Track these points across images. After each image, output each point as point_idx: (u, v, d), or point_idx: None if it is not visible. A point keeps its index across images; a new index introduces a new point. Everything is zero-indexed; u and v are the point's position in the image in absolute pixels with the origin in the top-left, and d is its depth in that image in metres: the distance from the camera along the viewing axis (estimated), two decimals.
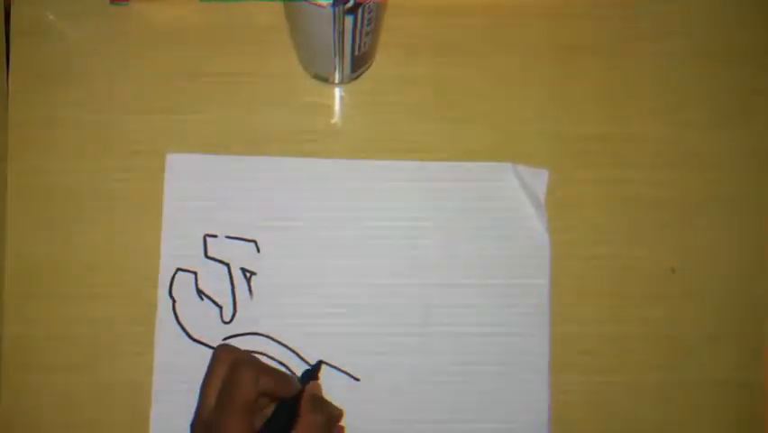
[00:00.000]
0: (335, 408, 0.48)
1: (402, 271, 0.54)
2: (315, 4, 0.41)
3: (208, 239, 0.53)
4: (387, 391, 0.53)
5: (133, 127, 0.54)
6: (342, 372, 0.53)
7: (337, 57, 0.48)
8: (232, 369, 0.44)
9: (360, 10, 0.42)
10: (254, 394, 0.43)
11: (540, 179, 0.55)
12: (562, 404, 0.54)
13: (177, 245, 0.53)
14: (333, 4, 0.41)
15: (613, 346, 0.55)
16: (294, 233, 0.53)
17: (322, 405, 0.46)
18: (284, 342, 0.53)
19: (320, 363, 0.49)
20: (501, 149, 0.56)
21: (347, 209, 0.54)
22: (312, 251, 0.53)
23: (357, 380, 0.53)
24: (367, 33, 0.46)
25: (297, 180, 0.54)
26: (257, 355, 0.50)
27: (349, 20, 0.43)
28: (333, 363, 0.53)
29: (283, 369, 0.52)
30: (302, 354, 0.53)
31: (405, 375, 0.53)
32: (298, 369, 0.52)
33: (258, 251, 0.53)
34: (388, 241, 0.54)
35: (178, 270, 0.53)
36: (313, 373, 0.48)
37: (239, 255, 0.53)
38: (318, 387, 0.48)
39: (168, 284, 0.53)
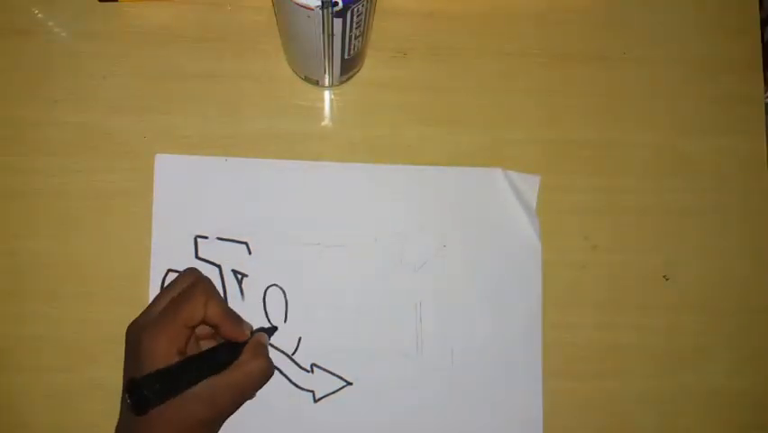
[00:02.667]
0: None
1: (393, 276, 0.54)
2: (304, 7, 0.41)
3: (199, 240, 0.53)
4: (379, 396, 0.53)
5: (122, 128, 0.54)
6: (335, 375, 0.53)
7: (327, 60, 0.48)
8: (188, 288, 0.45)
9: (348, 13, 0.42)
10: (198, 316, 0.43)
11: (531, 185, 0.55)
12: (554, 411, 0.54)
13: (167, 246, 0.53)
14: (322, 7, 0.41)
15: (605, 353, 0.55)
16: (285, 235, 0.54)
17: (266, 355, 0.46)
18: (276, 344, 0.52)
19: (275, 328, 0.51)
20: (492, 154, 0.56)
21: (338, 212, 0.54)
22: (303, 254, 0.53)
23: (350, 384, 0.53)
24: (356, 37, 0.46)
25: (287, 183, 0.54)
26: None
27: (338, 23, 0.43)
28: (325, 367, 0.53)
29: (275, 372, 0.52)
30: (294, 358, 0.53)
31: (397, 380, 0.53)
32: (293, 373, 0.52)
33: (249, 253, 0.53)
34: (379, 245, 0.54)
35: (169, 271, 0.53)
36: (268, 332, 0.49)
37: (230, 257, 0.53)
38: (266, 338, 0.48)
39: (159, 285, 0.52)
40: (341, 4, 0.41)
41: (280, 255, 0.53)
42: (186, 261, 0.53)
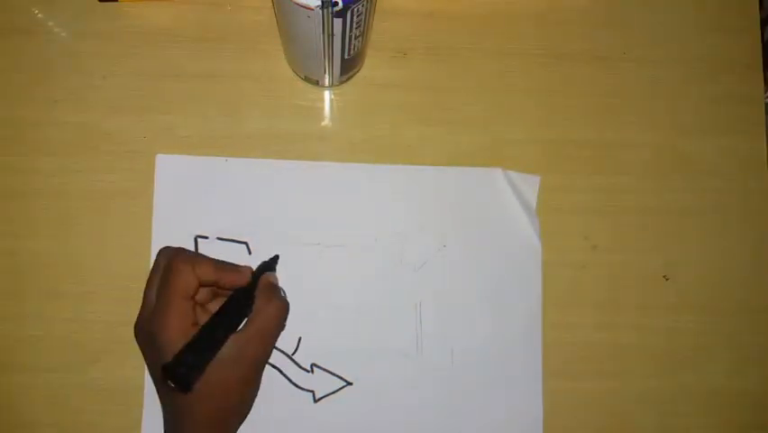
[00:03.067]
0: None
1: (393, 276, 0.54)
2: (304, 7, 0.41)
3: (199, 240, 0.53)
4: (379, 396, 0.53)
5: (122, 128, 0.54)
6: (335, 375, 0.53)
7: (327, 60, 0.48)
8: (166, 265, 0.45)
9: (348, 13, 0.42)
10: (192, 283, 0.44)
11: (531, 185, 0.55)
12: (554, 411, 0.54)
13: (167, 246, 0.53)
14: (322, 7, 0.41)
15: (605, 353, 0.55)
16: (285, 235, 0.53)
17: (278, 294, 0.47)
18: (276, 345, 0.52)
19: (277, 256, 0.50)
20: (492, 154, 0.56)
21: (338, 212, 0.54)
22: (303, 254, 0.53)
23: (350, 384, 0.53)
24: (356, 37, 0.46)
25: (287, 183, 0.54)
26: None
27: (338, 23, 0.43)
28: (325, 367, 0.53)
29: (275, 372, 0.52)
30: (294, 358, 0.53)
31: (397, 380, 0.53)
32: (293, 373, 0.52)
33: (249, 253, 0.53)
34: (379, 245, 0.54)
35: None
36: (269, 265, 0.49)
37: (230, 257, 0.53)
38: (274, 277, 0.48)
39: None
40: (341, 4, 0.41)
41: (281, 255, 0.53)
42: None
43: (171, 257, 0.45)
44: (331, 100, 0.56)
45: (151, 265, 0.52)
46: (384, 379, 0.53)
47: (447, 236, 0.55)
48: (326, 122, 0.55)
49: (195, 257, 0.46)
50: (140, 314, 0.47)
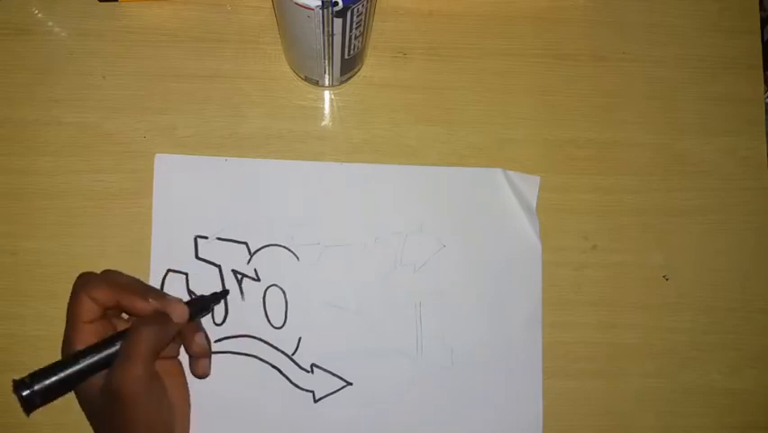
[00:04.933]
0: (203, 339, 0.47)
1: (393, 276, 0.54)
2: (304, 7, 0.41)
3: (199, 240, 0.53)
4: (379, 396, 0.53)
5: (122, 128, 0.54)
6: (335, 375, 0.53)
7: (327, 60, 0.48)
8: (74, 288, 0.45)
9: (348, 13, 0.42)
10: (87, 308, 0.44)
11: (531, 185, 0.55)
12: (554, 411, 0.54)
13: (167, 246, 0.53)
14: (322, 7, 0.41)
15: (605, 353, 0.55)
16: (285, 235, 0.54)
17: (160, 320, 0.44)
18: (276, 345, 0.52)
19: (226, 292, 0.51)
20: (492, 154, 0.56)
21: (338, 212, 0.54)
22: (303, 254, 0.53)
23: (350, 384, 0.53)
24: (356, 37, 0.46)
25: (287, 183, 0.54)
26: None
27: (338, 23, 0.43)
28: (325, 367, 0.53)
29: (275, 372, 0.52)
30: (294, 358, 0.53)
31: (397, 380, 0.53)
32: (293, 373, 0.52)
33: (249, 253, 0.53)
34: (379, 245, 0.54)
35: (169, 271, 0.53)
36: (206, 304, 0.49)
37: (230, 257, 0.53)
38: (177, 309, 0.45)
39: (158, 285, 0.52)
40: (341, 4, 0.41)
41: (280, 255, 0.53)
42: (186, 261, 0.53)
43: (75, 284, 0.46)
44: (331, 100, 0.56)
45: (152, 266, 0.52)
46: (384, 379, 0.53)
47: (447, 236, 0.55)
48: (326, 122, 0.55)
49: (90, 283, 0.45)
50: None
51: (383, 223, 0.54)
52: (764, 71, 0.58)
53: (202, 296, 0.50)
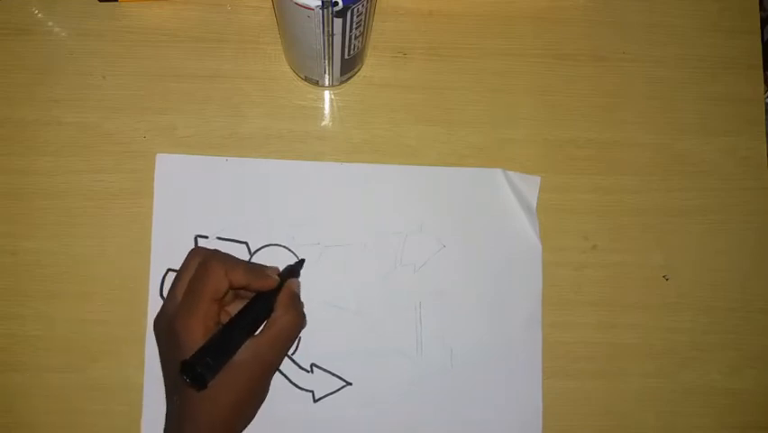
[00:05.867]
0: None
1: (393, 276, 0.54)
2: (304, 7, 0.41)
3: (199, 240, 0.53)
4: (379, 396, 0.53)
5: (122, 128, 0.54)
6: (335, 375, 0.53)
7: (327, 60, 0.48)
8: (202, 264, 0.45)
9: (348, 13, 0.42)
10: (223, 286, 0.44)
11: (532, 186, 0.56)
12: (554, 411, 0.54)
13: (167, 246, 0.53)
14: (322, 7, 0.41)
15: (605, 353, 0.55)
16: (285, 235, 0.54)
17: (298, 305, 0.47)
18: None
19: (302, 260, 0.51)
20: (492, 154, 0.56)
21: (338, 212, 0.54)
22: (303, 254, 0.53)
23: (349, 384, 0.53)
24: (356, 37, 0.46)
25: (287, 183, 0.54)
26: None
27: (338, 23, 0.43)
28: (325, 367, 0.53)
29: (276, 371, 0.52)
30: (294, 358, 0.53)
31: (397, 380, 0.53)
32: (293, 373, 0.52)
33: (249, 252, 0.53)
34: (379, 245, 0.54)
35: (169, 270, 0.53)
36: (295, 269, 0.49)
37: None
38: (297, 285, 0.48)
39: (158, 284, 0.52)
40: (341, 4, 0.41)
41: (281, 255, 0.53)
42: None
43: (206, 258, 0.45)
44: (331, 100, 0.56)
45: (152, 265, 0.52)
46: (384, 379, 0.53)
47: (447, 236, 0.55)
48: (326, 122, 0.55)
49: (228, 260, 0.46)
50: (163, 308, 0.47)
51: (383, 223, 0.54)
52: (764, 71, 0.58)
53: (290, 266, 0.51)
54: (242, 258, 0.53)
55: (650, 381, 0.55)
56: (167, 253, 0.53)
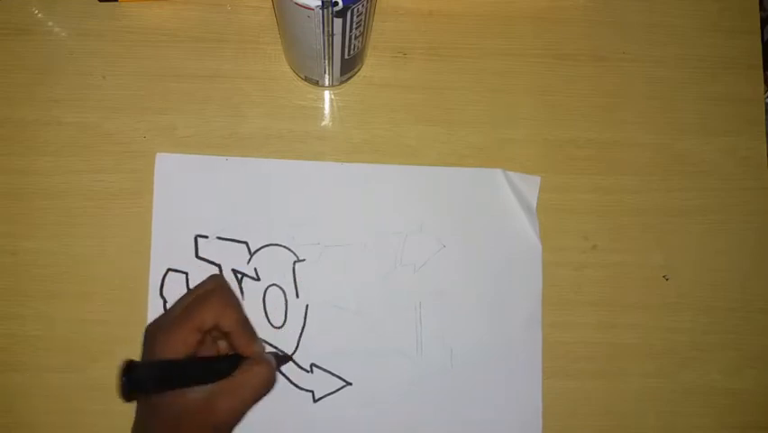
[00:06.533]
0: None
1: (393, 276, 0.54)
2: (304, 7, 0.41)
3: (199, 240, 0.53)
4: (379, 396, 0.53)
5: (122, 128, 0.54)
6: (335, 375, 0.53)
7: (327, 60, 0.48)
8: (206, 292, 0.45)
9: (348, 13, 0.42)
10: (210, 321, 0.43)
11: (532, 186, 0.56)
12: (554, 411, 0.54)
13: (167, 246, 0.53)
14: (322, 7, 0.41)
15: (605, 353, 0.55)
16: (285, 235, 0.54)
17: (269, 363, 0.45)
18: (276, 344, 0.53)
19: (288, 357, 0.51)
20: (492, 154, 0.56)
21: (338, 212, 0.54)
22: (303, 254, 0.53)
23: (349, 384, 0.53)
24: (356, 37, 0.46)
25: (287, 183, 0.54)
26: None
27: (338, 23, 0.43)
28: (325, 367, 0.53)
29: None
30: (294, 358, 0.53)
31: (397, 380, 0.53)
32: (292, 373, 0.53)
33: (249, 252, 0.53)
34: (379, 245, 0.54)
35: (169, 270, 0.53)
36: (279, 358, 0.48)
37: (230, 256, 0.53)
38: (271, 358, 0.46)
39: (158, 284, 0.52)
40: (341, 4, 0.41)
41: (281, 255, 0.53)
42: (186, 260, 0.53)
43: (212, 289, 0.45)
44: (331, 100, 0.56)
45: (152, 265, 0.52)
46: (384, 379, 0.53)
47: (447, 236, 0.55)
48: (326, 122, 0.55)
49: (229, 303, 0.45)
50: (158, 317, 0.46)
51: (383, 223, 0.54)
52: (764, 71, 0.58)
53: (275, 353, 0.50)
54: (242, 258, 0.53)
55: (650, 381, 0.55)
56: (167, 253, 0.53)
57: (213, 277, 0.47)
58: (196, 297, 0.45)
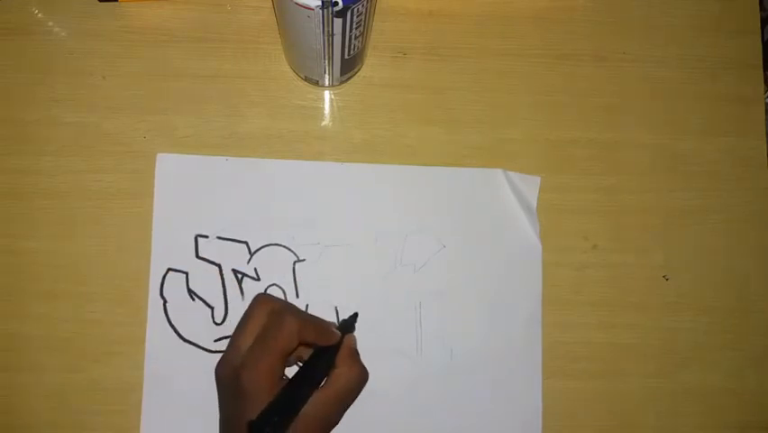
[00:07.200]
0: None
1: (393, 276, 0.54)
2: (304, 7, 0.41)
3: (199, 239, 0.53)
4: (379, 396, 0.53)
5: (122, 128, 0.54)
6: None
7: (327, 60, 0.48)
8: (274, 316, 0.44)
9: (348, 13, 0.42)
10: (294, 342, 0.43)
11: (532, 186, 0.55)
12: (554, 411, 0.54)
13: (167, 246, 0.53)
14: (322, 7, 0.41)
15: (605, 353, 0.55)
16: (285, 235, 0.54)
17: (359, 360, 0.46)
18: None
19: (356, 314, 0.50)
20: (492, 154, 0.56)
21: (338, 212, 0.54)
22: (303, 254, 0.53)
23: None
24: (356, 37, 0.46)
25: (287, 183, 0.54)
26: None
27: (338, 23, 0.43)
28: None
29: None
30: None
31: (397, 380, 0.53)
32: (291, 372, 0.52)
33: (249, 252, 0.53)
34: (379, 245, 0.54)
35: (169, 270, 0.53)
36: (349, 323, 0.49)
37: (230, 256, 0.53)
38: (354, 340, 0.48)
39: (158, 284, 0.52)
40: (341, 4, 0.41)
41: (280, 255, 0.53)
42: (186, 260, 0.53)
43: (280, 311, 0.44)
44: (331, 100, 0.56)
45: (152, 265, 0.52)
46: (383, 379, 0.53)
47: (447, 237, 0.55)
48: (326, 122, 0.55)
49: (301, 316, 0.45)
50: (226, 356, 0.45)
51: (383, 223, 0.54)
52: (764, 71, 0.58)
53: (345, 320, 0.50)
54: (242, 257, 0.53)
55: (650, 381, 0.55)
56: (167, 253, 0.53)
57: (260, 300, 0.46)
58: (269, 323, 0.44)
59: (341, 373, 0.45)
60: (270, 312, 0.45)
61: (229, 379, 0.44)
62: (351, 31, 0.45)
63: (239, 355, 0.44)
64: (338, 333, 0.46)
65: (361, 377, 0.46)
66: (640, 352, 0.55)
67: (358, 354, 0.47)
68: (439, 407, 0.53)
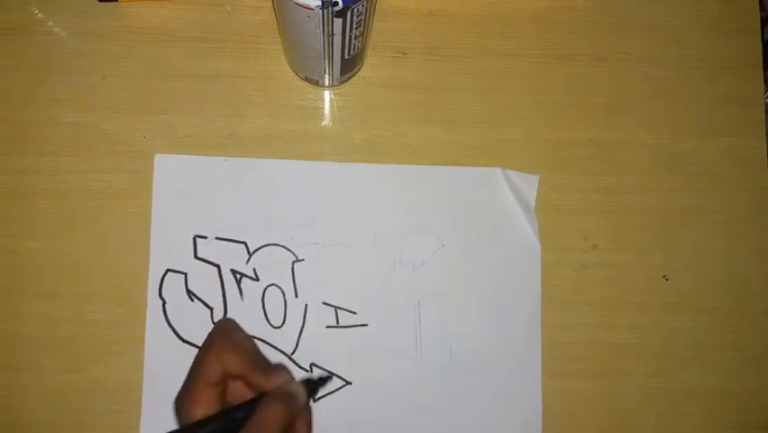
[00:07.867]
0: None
1: (393, 276, 0.54)
2: (304, 7, 0.41)
3: (198, 240, 0.53)
4: (378, 396, 0.53)
5: (122, 128, 0.54)
6: (335, 375, 0.53)
7: (327, 60, 0.48)
8: (206, 343, 0.42)
9: (348, 13, 0.42)
10: (215, 373, 0.41)
11: (530, 185, 0.55)
12: (554, 411, 0.54)
13: (166, 246, 0.53)
14: (322, 7, 0.41)
15: (605, 353, 0.55)
16: (284, 235, 0.54)
17: (284, 398, 0.41)
18: (275, 344, 0.53)
19: (329, 377, 0.44)
20: (492, 154, 0.56)
21: (337, 212, 0.54)
22: (303, 254, 0.53)
23: (349, 383, 0.53)
24: (356, 37, 0.46)
25: (286, 183, 0.54)
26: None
27: (338, 23, 0.43)
28: (324, 367, 0.53)
29: None
30: (293, 357, 0.53)
31: (396, 380, 0.53)
32: (293, 373, 0.52)
33: (248, 252, 0.53)
34: (379, 245, 0.54)
35: (168, 270, 0.53)
36: (316, 385, 0.43)
37: (229, 257, 0.53)
38: (297, 387, 0.42)
39: (157, 285, 0.53)
40: (341, 4, 0.41)
41: (280, 255, 0.53)
42: (185, 260, 0.53)
43: (210, 340, 0.42)
44: (331, 100, 0.56)
45: (151, 265, 0.52)
46: (383, 379, 0.53)
47: (446, 236, 0.55)
48: (326, 122, 0.55)
49: (228, 347, 0.42)
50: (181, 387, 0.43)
51: (383, 223, 0.54)
52: (764, 71, 0.58)
53: (310, 378, 0.44)
54: (240, 258, 0.53)
55: (650, 381, 0.55)
56: (166, 254, 0.53)
57: (216, 324, 0.45)
58: (198, 353, 0.42)
59: (261, 406, 0.40)
60: (206, 342, 0.42)
61: (177, 413, 0.42)
62: (351, 31, 0.45)
63: (183, 388, 0.42)
64: (276, 379, 0.41)
65: (282, 411, 0.40)
66: (640, 352, 0.55)
67: (291, 395, 0.41)
68: (439, 407, 0.53)
